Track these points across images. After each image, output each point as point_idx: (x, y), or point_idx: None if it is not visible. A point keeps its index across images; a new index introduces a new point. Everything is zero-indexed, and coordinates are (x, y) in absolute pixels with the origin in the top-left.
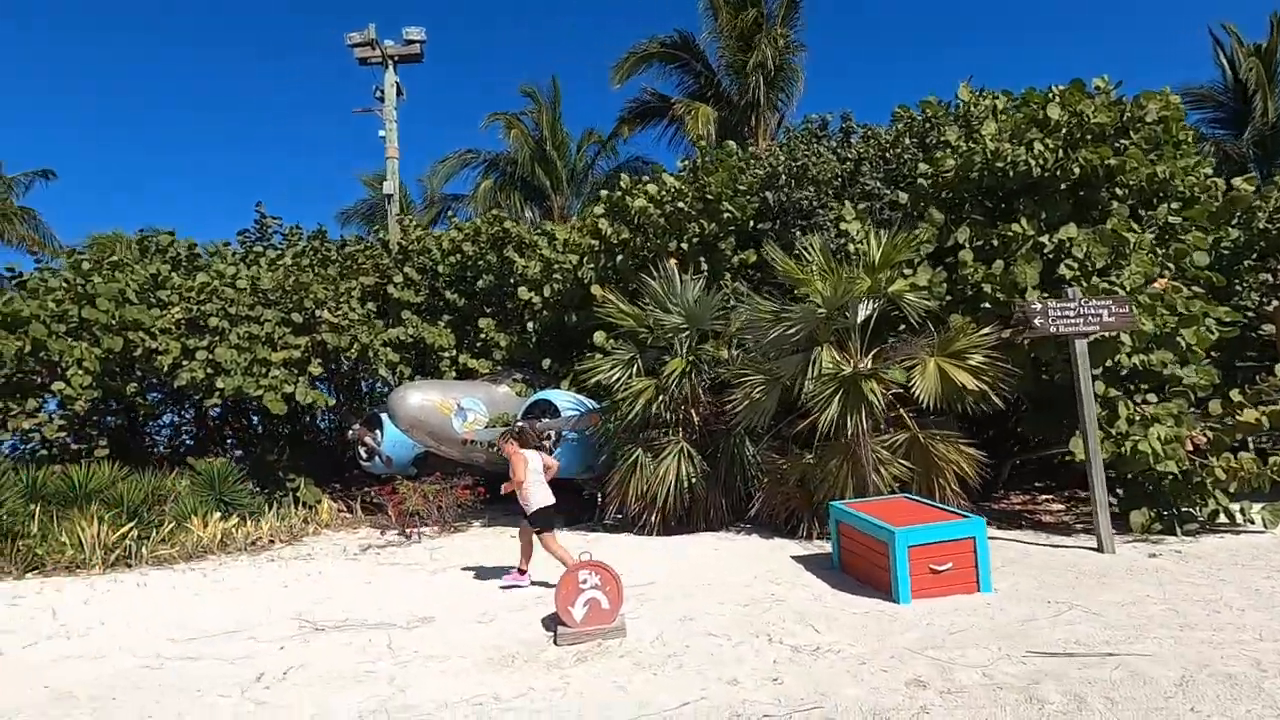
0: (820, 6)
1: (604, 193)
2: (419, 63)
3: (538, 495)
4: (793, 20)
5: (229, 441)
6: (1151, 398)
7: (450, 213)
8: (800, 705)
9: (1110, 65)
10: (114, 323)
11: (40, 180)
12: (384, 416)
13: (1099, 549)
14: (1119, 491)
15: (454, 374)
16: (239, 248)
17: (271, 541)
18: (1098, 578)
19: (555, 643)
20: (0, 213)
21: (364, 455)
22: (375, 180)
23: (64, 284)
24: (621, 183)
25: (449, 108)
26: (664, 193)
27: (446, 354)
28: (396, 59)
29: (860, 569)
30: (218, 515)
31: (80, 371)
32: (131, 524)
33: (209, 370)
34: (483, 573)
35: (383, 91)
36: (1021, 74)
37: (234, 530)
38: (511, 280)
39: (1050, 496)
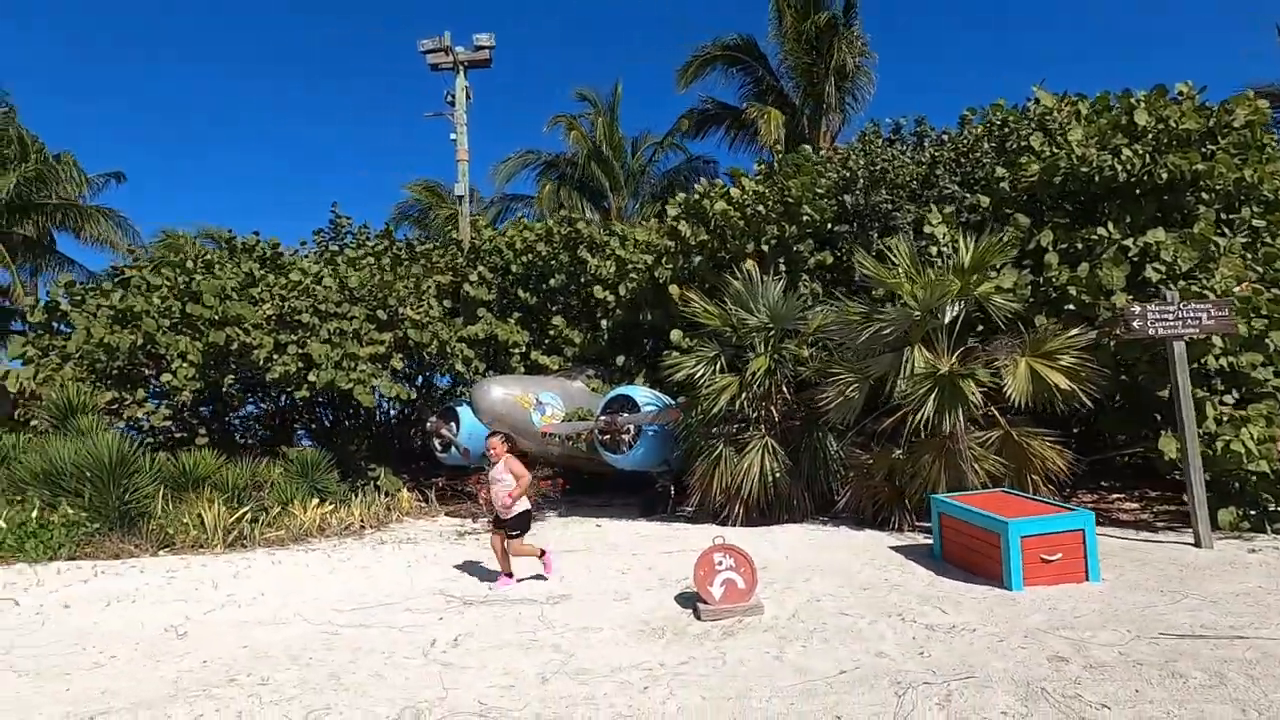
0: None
1: (681, 195)
2: (487, 68)
3: (522, 500)
4: (851, 20)
5: (300, 432)
6: (1229, 399)
7: (518, 214)
8: (954, 674)
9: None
10: (217, 318)
11: (112, 181)
12: (459, 409)
13: (1196, 544)
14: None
15: (523, 369)
16: (314, 246)
17: (363, 527)
18: (1202, 570)
19: (698, 618)
20: (79, 210)
21: (439, 447)
22: (419, 186)
23: (167, 281)
24: (700, 186)
25: (504, 111)
26: (745, 196)
27: (517, 350)
28: (466, 64)
29: (966, 558)
30: (315, 501)
31: (185, 364)
32: (247, 507)
33: (300, 364)
34: (590, 556)
35: (453, 96)
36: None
37: (329, 516)
38: (582, 279)
39: (1120, 495)
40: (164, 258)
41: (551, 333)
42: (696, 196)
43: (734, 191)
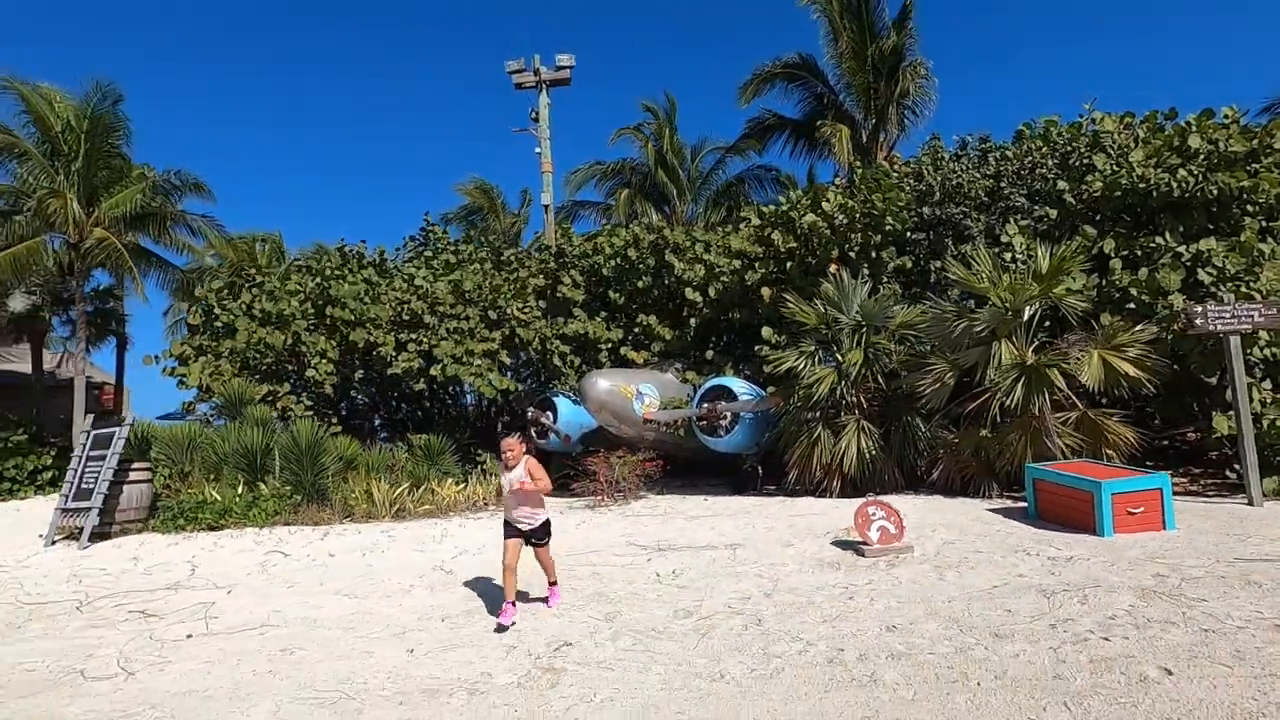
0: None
1: (768, 207)
2: (567, 86)
3: (544, 507)
4: (912, 48)
5: (377, 423)
6: (1266, 384)
7: (586, 218)
8: (1083, 585)
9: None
10: (353, 319)
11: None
12: (555, 399)
13: (1249, 504)
14: (1237, 466)
15: (610, 363)
16: (405, 251)
17: (486, 504)
18: (1259, 521)
19: (861, 555)
20: (172, 217)
21: (537, 434)
22: (471, 187)
23: (300, 286)
24: (786, 198)
25: (572, 125)
26: (832, 208)
27: (605, 345)
28: (548, 83)
29: (1060, 514)
30: (449, 480)
31: (324, 361)
32: (405, 485)
33: (420, 360)
34: (730, 519)
35: (538, 113)
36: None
37: (459, 493)
38: (667, 280)
39: (1169, 473)
40: (303, 263)
41: (637, 329)
42: (785, 208)
43: (824, 205)
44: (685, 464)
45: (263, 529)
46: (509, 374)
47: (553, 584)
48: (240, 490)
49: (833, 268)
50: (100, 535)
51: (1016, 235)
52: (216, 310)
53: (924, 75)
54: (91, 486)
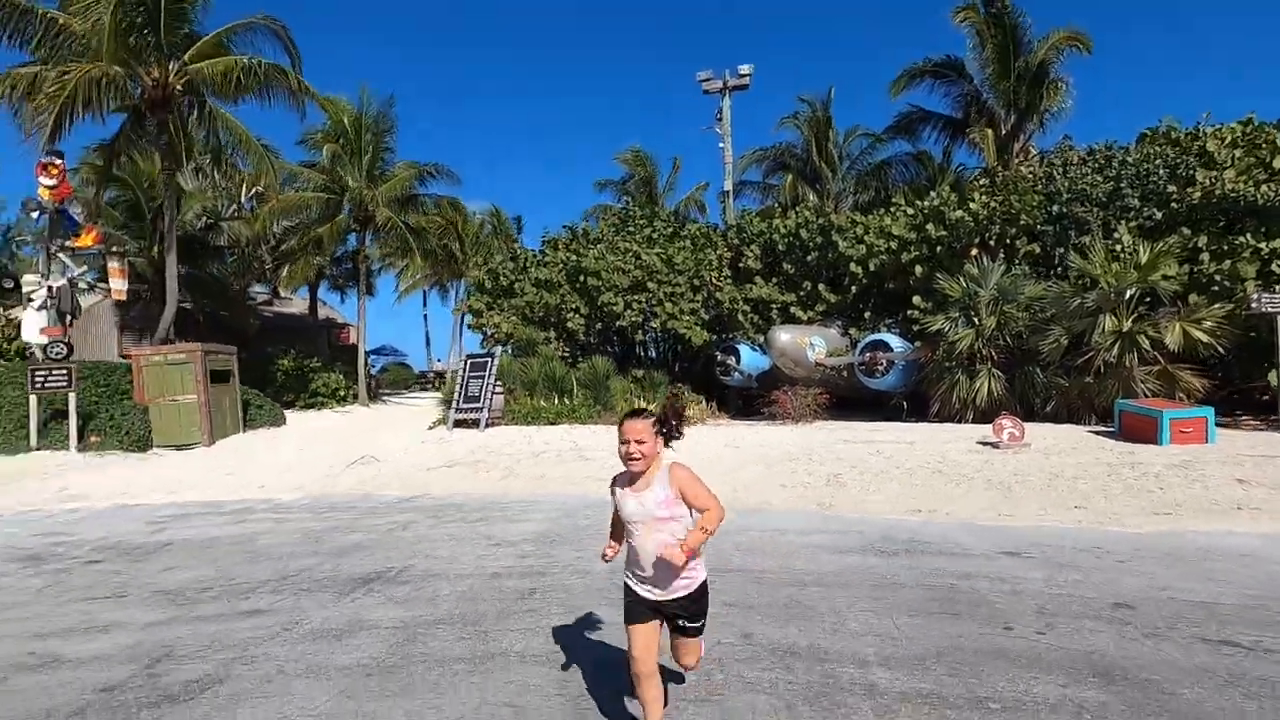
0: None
1: (923, 202)
2: (746, 91)
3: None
4: (1056, 69)
5: (626, 359)
6: None
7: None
8: (1135, 463)
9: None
10: (599, 284)
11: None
12: (739, 347)
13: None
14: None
15: (780, 320)
16: (606, 226)
17: (696, 421)
18: (1276, 442)
19: (997, 448)
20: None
21: (721, 372)
22: (629, 156)
23: (561, 262)
24: (941, 194)
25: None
26: (978, 207)
27: (776, 306)
28: (732, 89)
29: (1134, 433)
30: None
31: (578, 315)
32: (654, 402)
33: (642, 316)
34: (894, 431)
35: (722, 113)
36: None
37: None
38: (830, 255)
39: (1227, 419)
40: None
41: (803, 293)
42: (937, 204)
43: (971, 204)
44: (841, 400)
45: (572, 425)
46: (705, 329)
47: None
48: (558, 400)
49: (974, 252)
50: (473, 424)
51: (1125, 234)
52: (500, 276)
53: (1064, 91)
54: (476, 395)
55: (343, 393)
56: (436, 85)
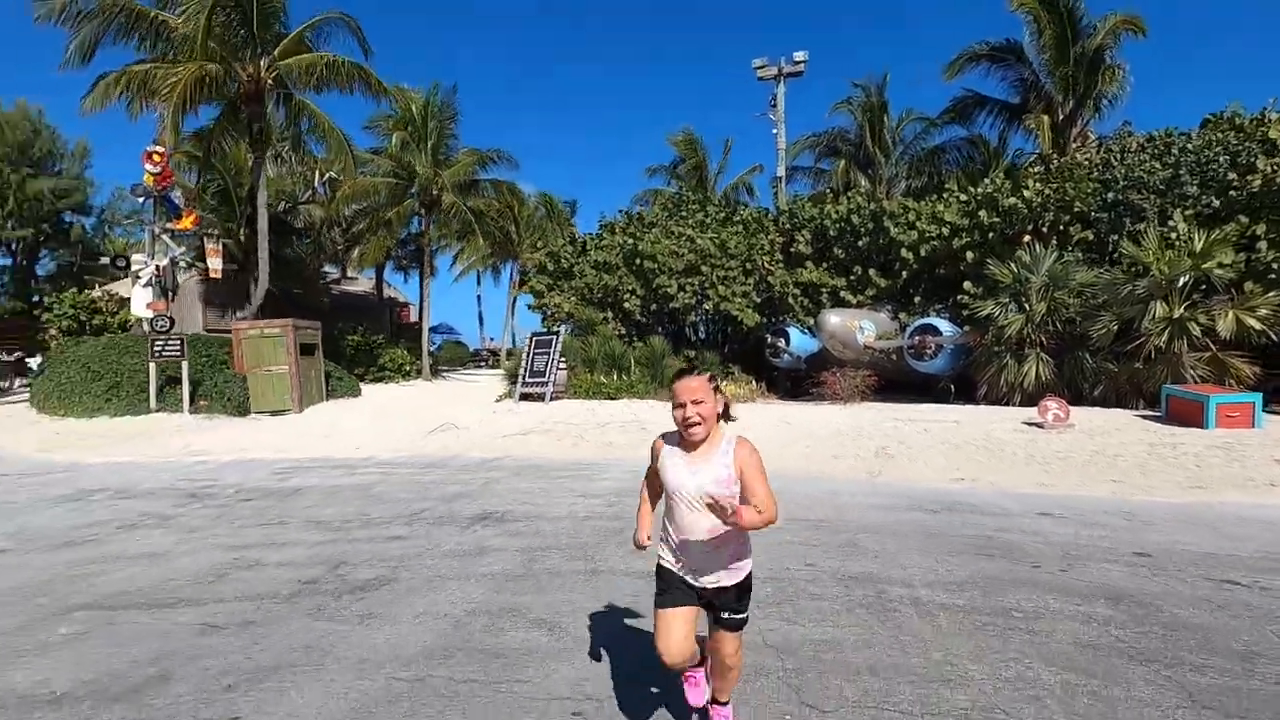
0: None
1: (975, 189)
2: (800, 77)
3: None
4: (1114, 54)
5: (678, 339)
6: None
7: (813, 183)
8: (1178, 444)
9: None
10: (655, 267)
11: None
12: (788, 329)
13: None
14: None
15: (830, 304)
16: (659, 210)
17: (746, 400)
18: None
19: (1041, 428)
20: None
21: (771, 354)
22: (681, 139)
23: (618, 244)
24: (994, 181)
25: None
26: (1031, 194)
27: (826, 289)
28: (786, 75)
29: (1181, 416)
30: (723, 381)
31: (634, 297)
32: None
33: (694, 298)
34: (943, 411)
35: (776, 100)
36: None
37: (728, 390)
38: (881, 240)
39: (1278, 406)
40: (628, 225)
41: (853, 277)
42: (990, 190)
43: (1025, 192)
44: (890, 383)
45: (631, 400)
46: (756, 311)
47: (723, 705)
48: (616, 377)
49: (1026, 238)
50: (538, 397)
51: (1180, 222)
52: (560, 259)
53: (1121, 77)
54: (541, 370)
55: (407, 368)
56: (490, 71)
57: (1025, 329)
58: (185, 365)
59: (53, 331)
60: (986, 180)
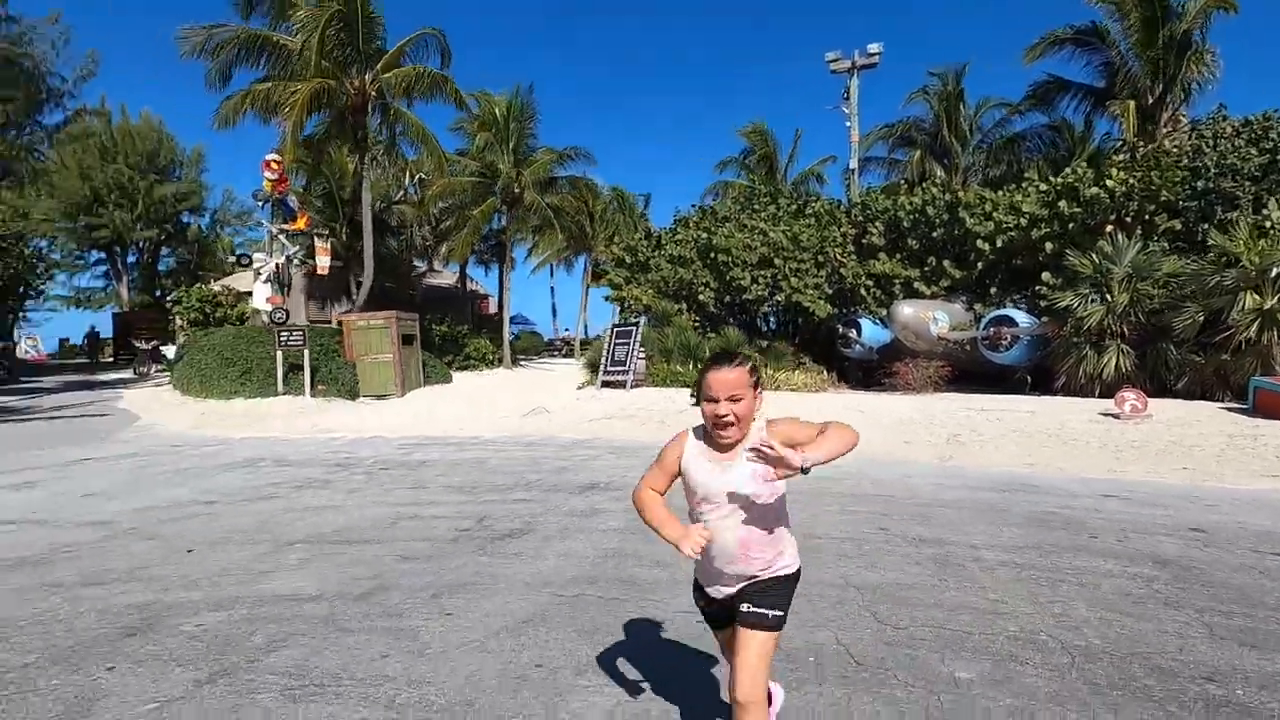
0: None
1: (1056, 179)
2: (874, 69)
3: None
4: (1204, 38)
5: (750, 329)
6: None
7: (886, 173)
8: (1259, 436)
9: None
10: (729, 260)
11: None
12: (860, 320)
13: None
14: None
15: (903, 295)
16: (731, 203)
17: (820, 389)
18: None
19: (1118, 419)
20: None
21: (842, 344)
22: (751, 130)
23: (692, 238)
24: (1076, 170)
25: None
26: (1114, 184)
27: (898, 280)
28: (860, 68)
29: (1269, 409)
30: (794, 371)
31: (708, 289)
32: (783, 370)
33: (767, 290)
34: (1021, 402)
35: (849, 92)
36: None
37: (800, 380)
38: (956, 231)
39: None
40: (703, 220)
41: (927, 268)
42: (1071, 180)
43: (1108, 182)
44: (963, 374)
45: None
46: (828, 302)
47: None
48: (693, 366)
49: (1109, 228)
50: (619, 385)
51: (1276, 210)
52: (637, 252)
53: (1211, 60)
54: (622, 359)
55: (490, 356)
56: (561, 68)
57: (1106, 320)
58: (306, 354)
59: (180, 322)
60: (1067, 170)
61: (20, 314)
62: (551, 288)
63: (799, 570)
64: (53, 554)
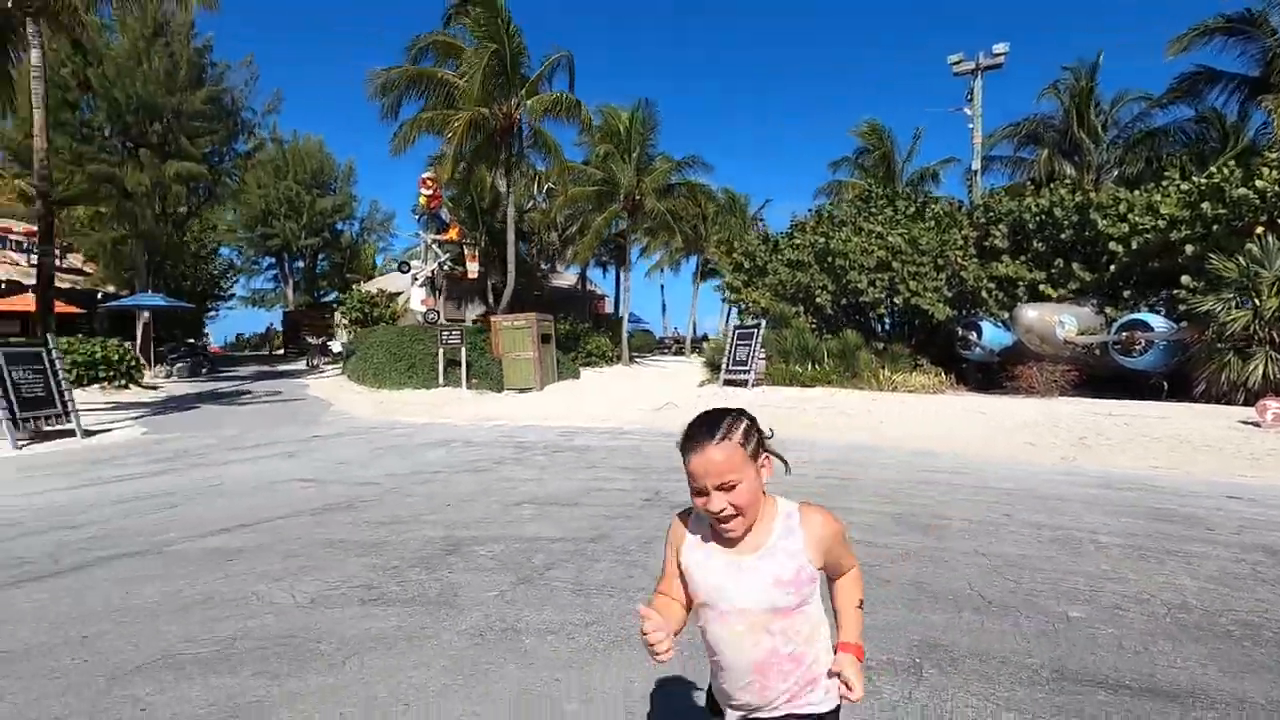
0: None
1: (1199, 179)
2: (999, 70)
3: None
4: None
5: (868, 331)
6: None
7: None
8: None
9: None
10: (846, 263)
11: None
12: (981, 323)
13: None
14: None
15: (1026, 298)
16: (846, 204)
17: (938, 390)
18: None
19: (1259, 426)
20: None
21: (961, 346)
22: (865, 129)
23: (809, 242)
24: (1223, 169)
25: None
26: (1266, 184)
27: (1023, 284)
28: (984, 69)
29: None
30: (912, 373)
31: (825, 292)
32: (901, 370)
33: (884, 292)
34: (1151, 406)
35: (973, 94)
36: None
37: (918, 381)
38: (1087, 233)
39: None
40: (819, 224)
41: (1054, 271)
42: (1217, 180)
43: (1258, 182)
44: (1092, 378)
45: (825, 388)
46: (948, 305)
47: None
48: (811, 367)
49: (1259, 230)
50: (740, 383)
51: None
52: (755, 256)
53: None
54: (744, 359)
55: (609, 354)
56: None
57: (1253, 326)
58: (464, 350)
59: (343, 321)
60: (1213, 169)
61: (213, 313)
62: (661, 286)
63: (838, 710)
64: (352, 503)
